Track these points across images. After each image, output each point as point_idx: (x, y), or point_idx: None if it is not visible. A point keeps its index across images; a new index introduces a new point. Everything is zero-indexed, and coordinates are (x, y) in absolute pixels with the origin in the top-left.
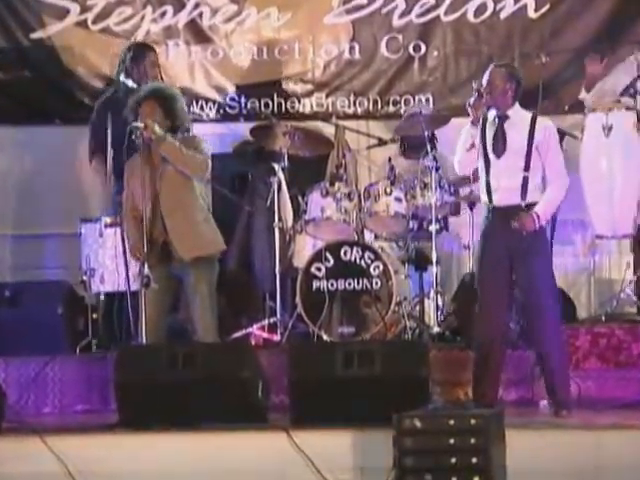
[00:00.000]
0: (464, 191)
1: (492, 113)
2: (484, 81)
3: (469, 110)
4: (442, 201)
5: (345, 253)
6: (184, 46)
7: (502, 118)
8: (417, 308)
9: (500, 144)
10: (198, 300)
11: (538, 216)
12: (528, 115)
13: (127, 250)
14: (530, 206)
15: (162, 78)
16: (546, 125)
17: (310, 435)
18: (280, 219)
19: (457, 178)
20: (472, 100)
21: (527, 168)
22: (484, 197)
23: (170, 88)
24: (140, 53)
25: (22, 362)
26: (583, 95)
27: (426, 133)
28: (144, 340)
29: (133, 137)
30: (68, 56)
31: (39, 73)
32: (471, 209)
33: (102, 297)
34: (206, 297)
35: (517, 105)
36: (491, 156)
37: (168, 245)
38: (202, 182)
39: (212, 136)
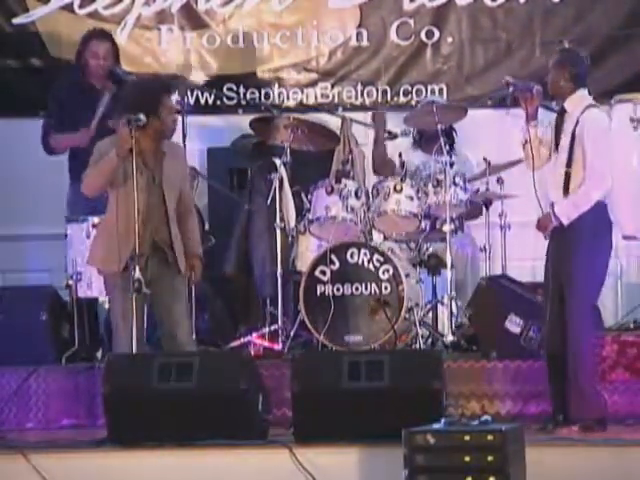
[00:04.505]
0: (481, 188)
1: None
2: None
3: (523, 106)
4: (457, 199)
5: (352, 255)
6: (178, 32)
7: (561, 110)
8: (430, 315)
9: (557, 139)
10: (181, 302)
11: (555, 216)
12: (586, 103)
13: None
14: None
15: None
16: (589, 116)
17: (314, 452)
18: (282, 219)
19: (474, 175)
20: (523, 95)
21: (569, 163)
22: None
23: None
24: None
25: (3, 373)
26: None
27: (439, 126)
28: (134, 349)
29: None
30: (54, 43)
31: (22, 62)
32: (487, 208)
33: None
34: (186, 299)
35: (579, 93)
36: (553, 151)
37: (166, 253)
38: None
39: (208, 129)
